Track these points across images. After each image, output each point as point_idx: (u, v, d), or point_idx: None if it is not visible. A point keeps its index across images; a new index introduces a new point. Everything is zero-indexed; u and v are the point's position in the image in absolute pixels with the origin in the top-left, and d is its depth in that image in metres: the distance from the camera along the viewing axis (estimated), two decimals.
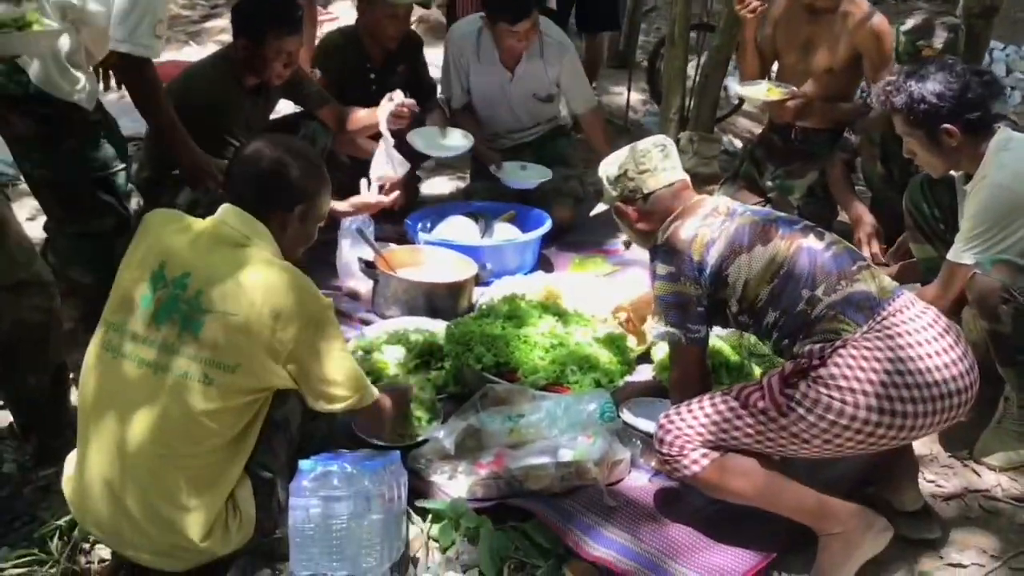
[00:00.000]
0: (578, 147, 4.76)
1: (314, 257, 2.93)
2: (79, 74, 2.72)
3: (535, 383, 2.83)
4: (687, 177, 2.58)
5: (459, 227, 3.96)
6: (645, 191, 2.53)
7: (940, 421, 2.22)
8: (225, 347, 2.06)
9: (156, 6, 2.77)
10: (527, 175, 4.33)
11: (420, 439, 2.65)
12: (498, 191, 4.31)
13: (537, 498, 2.46)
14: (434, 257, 3.69)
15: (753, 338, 2.53)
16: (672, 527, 2.41)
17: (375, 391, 2.28)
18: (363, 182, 3.69)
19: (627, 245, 3.96)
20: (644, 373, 3.11)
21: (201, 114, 3.23)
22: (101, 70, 3.30)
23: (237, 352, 2.07)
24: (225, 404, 2.08)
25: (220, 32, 6.37)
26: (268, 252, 2.17)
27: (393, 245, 3.82)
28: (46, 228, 3.10)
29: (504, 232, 3.98)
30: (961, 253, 2.73)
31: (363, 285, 3.55)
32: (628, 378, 3.00)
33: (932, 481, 2.70)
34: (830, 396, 2.17)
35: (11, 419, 2.72)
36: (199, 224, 2.22)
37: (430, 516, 2.44)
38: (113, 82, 3.41)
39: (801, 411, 2.19)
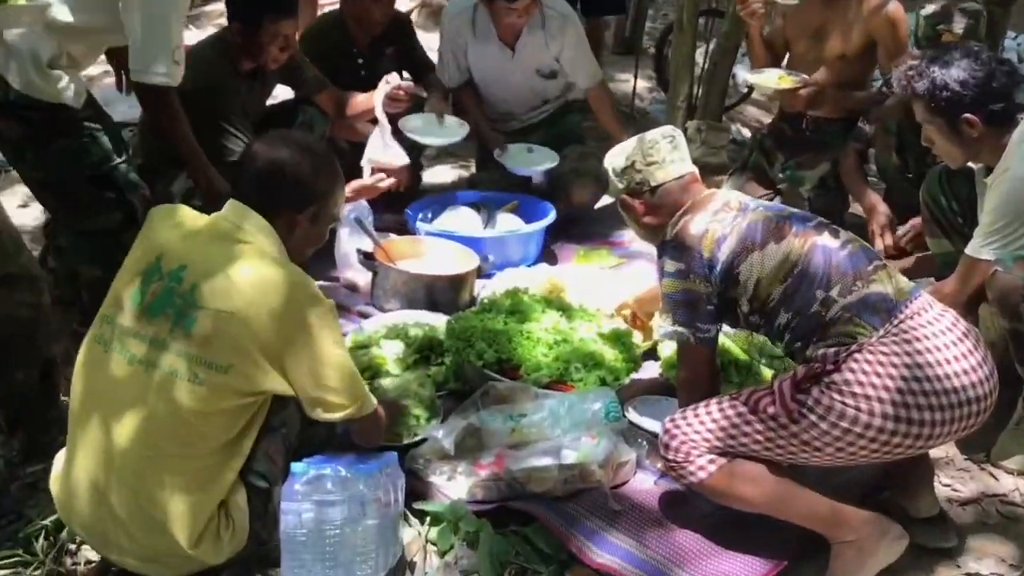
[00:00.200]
0: (589, 119, 4.56)
1: None
2: (62, 75, 2.69)
3: (538, 381, 2.76)
4: (696, 170, 2.51)
5: (461, 217, 3.89)
6: (653, 184, 2.45)
7: (958, 429, 2.15)
8: (217, 346, 1.99)
9: (171, 33, 2.75)
10: (533, 160, 4.18)
11: (418, 438, 2.58)
12: (504, 181, 4.20)
13: (539, 501, 2.40)
14: (435, 248, 3.61)
15: (763, 337, 2.45)
16: (679, 533, 2.35)
17: (374, 400, 2.19)
18: (364, 163, 3.59)
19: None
20: (651, 370, 3.03)
21: (196, 100, 3.14)
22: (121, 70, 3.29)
23: (229, 352, 1.99)
24: (217, 406, 2.01)
25: (220, 16, 6.28)
26: (270, 250, 2.10)
27: (393, 235, 3.75)
28: (48, 226, 3.09)
29: (507, 223, 3.90)
30: (980, 248, 2.65)
31: (361, 277, 3.48)
32: (634, 375, 2.92)
33: (948, 485, 2.63)
34: (844, 403, 2.10)
35: None
36: (201, 219, 2.16)
37: (428, 519, 2.38)
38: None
39: (813, 418, 2.12)
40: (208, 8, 6.89)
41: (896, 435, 2.09)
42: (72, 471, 2.10)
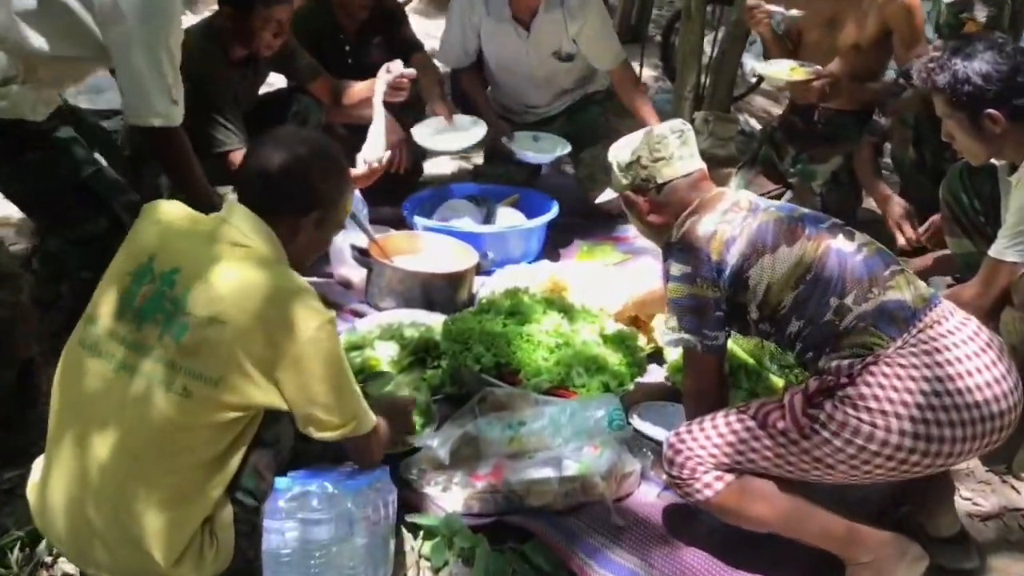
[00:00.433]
0: (610, 117, 4.27)
1: None
2: (15, 89, 2.62)
3: (538, 386, 2.66)
4: (705, 166, 2.40)
5: (460, 212, 3.79)
6: (659, 181, 2.34)
7: (980, 446, 2.04)
8: (207, 356, 1.89)
9: (165, 72, 2.65)
10: (542, 147, 4.03)
11: (411, 446, 2.47)
12: (511, 175, 4.05)
13: (538, 516, 2.30)
14: (432, 244, 3.51)
15: (775, 345, 2.36)
16: (685, 551, 2.25)
17: (373, 418, 2.07)
18: (358, 158, 3.47)
19: None
20: (656, 374, 2.92)
21: (185, 89, 3.03)
22: None
23: (220, 363, 1.89)
24: (204, 419, 1.91)
25: (214, 1, 6.17)
26: (269, 256, 1.99)
27: (391, 230, 3.65)
28: (36, 234, 3.07)
29: (508, 217, 3.80)
30: (1004, 250, 2.54)
31: (356, 273, 3.39)
32: (638, 380, 2.81)
33: (968, 499, 2.53)
34: (859, 418, 1.99)
35: None
36: (200, 220, 2.05)
37: (422, 532, 2.29)
38: None
39: (826, 434, 2.01)
40: None
41: (915, 453, 1.98)
42: (49, 480, 2.01)
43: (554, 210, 3.75)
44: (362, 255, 3.28)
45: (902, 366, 2.00)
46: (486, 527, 2.28)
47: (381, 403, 2.39)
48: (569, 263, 3.70)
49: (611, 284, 3.31)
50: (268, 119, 3.53)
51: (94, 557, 1.98)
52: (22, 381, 2.53)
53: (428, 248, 3.49)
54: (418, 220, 3.67)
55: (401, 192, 3.84)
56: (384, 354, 2.83)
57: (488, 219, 3.81)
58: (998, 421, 2.01)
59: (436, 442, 2.42)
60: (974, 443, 2.01)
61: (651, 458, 2.52)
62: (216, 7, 3.41)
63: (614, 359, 2.77)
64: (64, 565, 2.19)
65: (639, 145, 2.37)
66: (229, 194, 2.99)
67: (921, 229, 3.42)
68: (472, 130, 3.90)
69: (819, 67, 3.80)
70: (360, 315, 3.21)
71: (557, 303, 3.01)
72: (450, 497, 2.35)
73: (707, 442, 2.12)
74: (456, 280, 3.28)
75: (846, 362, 2.04)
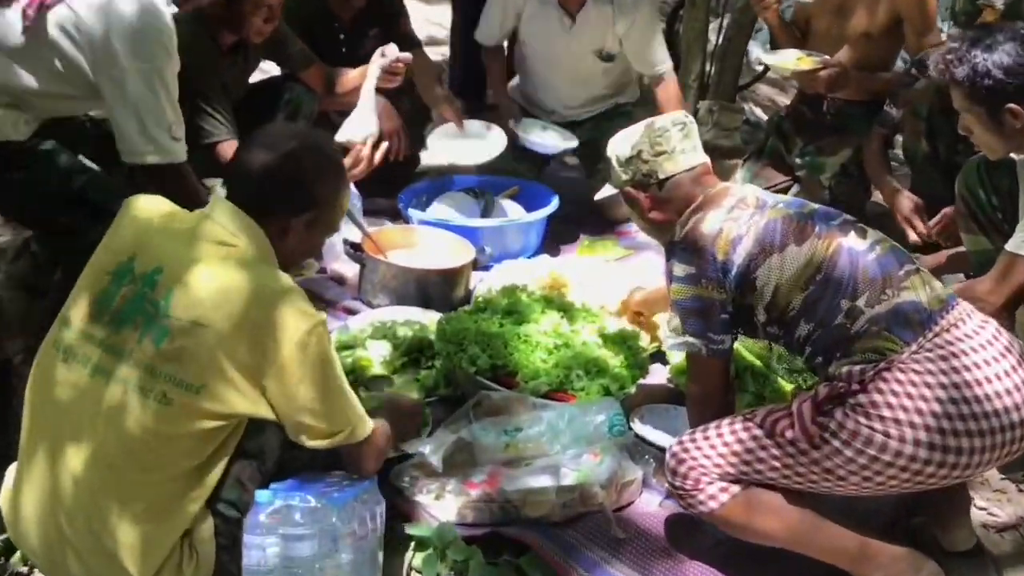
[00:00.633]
0: None
1: None
2: None
3: (536, 390, 2.56)
4: (709, 160, 2.31)
5: (456, 205, 3.69)
6: (661, 176, 2.25)
7: (999, 457, 1.94)
8: (188, 362, 1.80)
9: (162, 110, 2.55)
10: (548, 136, 3.88)
11: (403, 452, 2.36)
12: (515, 167, 3.90)
13: (535, 527, 2.21)
14: (428, 238, 3.40)
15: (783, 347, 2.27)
16: (689, 565, 2.15)
17: (368, 425, 1.97)
18: (336, 137, 3.34)
19: None
20: (659, 374, 2.82)
21: None
22: None
23: (202, 369, 1.80)
24: (184, 428, 1.82)
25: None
26: (257, 257, 1.90)
27: (386, 223, 3.54)
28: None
29: (506, 210, 3.69)
30: (1022, 243, 2.44)
31: (349, 269, 3.28)
32: (640, 382, 2.71)
33: (983, 508, 2.43)
34: (871, 427, 1.89)
35: None
36: (183, 216, 1.97)
37: (413, 543, 2.20)
38: None
39: (836, 444, 1.92)
40: None
41: (930, 464, 1.89)
42: (22, 489, 1.93)
43: (554, 203, 3.65)
44: (355, 250, 3.16)
45: (917, 372, 1.91)
46: (481, 539, 2.19)
47: (387, 405, 2.33)
48: (569, 258, 3.60)
49: (612, 281, 3.21)
50: (260, 109, 3.44)
51: (68, 570, 1.90)
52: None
53: (423, 242, 3.39)
54: (413, 213, 3.57)
55: (397, 183, 3.73)
56: (376, 354, 2.74)
57: (486, 212, 3.70)
58: (1019, 430, 1.92)
59: (429, 448, 2.32)
60: (993, 453, 1.91)
61: (653, 465, 2.42)
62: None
63: (615, 361, 2.67)
64: None
65: (639, 139, 2.27)
66: (217, 187, 2.90)
67: (932, 222, 3.32)
68: (491, 139, 3.75)
69: (826, 56, 3.70)
70: (353, 312, 3.12)
71: (556, 302, 2.91)
72: (443, 506, 2.26)
73: (712, 451, 2.03)
74: (452, 276, 3.18)
75: (858, 368, 1.94)
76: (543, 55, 3.90)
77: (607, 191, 2.44)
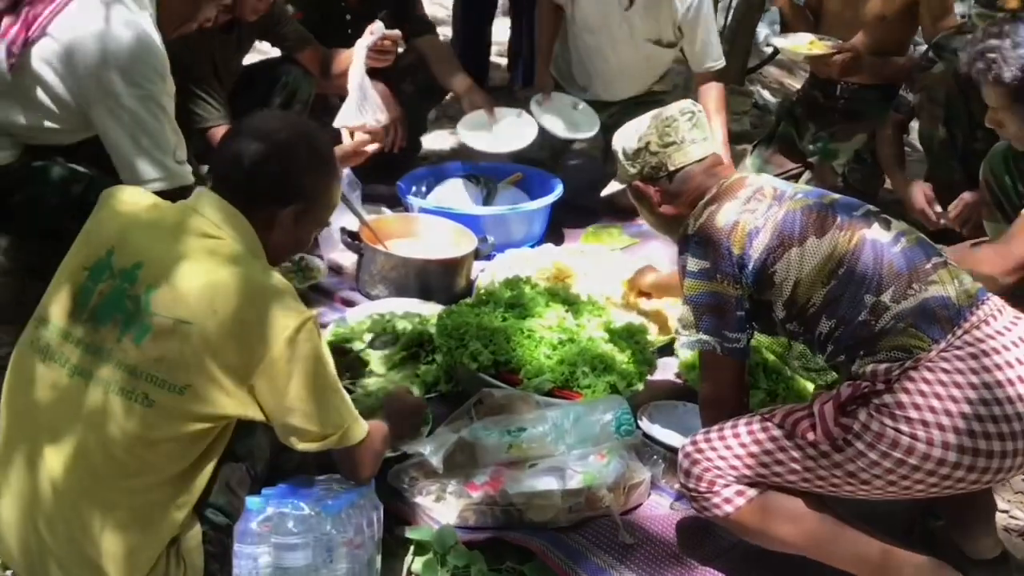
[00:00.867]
0: None
1: None
2: None
3: (540, 387, 2.46)
4: (721, 150, 2.20)
5: (458, 192, 3.60)
6: (671, 168, 2.17)
7: None
8: (172, 362, 1.72)
9: (161, 134, 2.46)
10: (574, 118, 3.72)
11: (401, 451, 2.28)
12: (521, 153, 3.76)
13: (539, 533, 2.13)
14: (428, 227, 3.31)
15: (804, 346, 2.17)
16: (700, 571, 2.08)
17: (363, 427, 1.88)
18: (343, 131, 3.24)
19: None
20: (669, 368, 2.74)
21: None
22: None
23: (186, 369, 1.72)
24: (168, 432, 1.74)
25: None
26: (243, 250, 1.82)
27: (385, 211, 3.44)
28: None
29: (509, 198, 3.60)
30: None
31: (347, 258, 3.20)
32: (648, 378, 2.60)
33: (1005, 511, 2.35)
34: (897, 429, 1.80)
35: None
36: (165, 208, 1.89)
37: (412, 547, 2.12)
38: None
39: (860, 446, 1.83)
40: None
41: (959, 468, 1.80)
42: (1, 495, 1.86)
43: (558, 190, 3.55)
44: (352, 239, 3.07)
45: (946, 371, 1.82)
46: (482, 543, 2.11)
47: (387, 403, 2.26)
48: (574, 246, 3.51)
49: (619, 271, 3.13)
50: (255, 92, 3.34)
51: None
52: None
53: (423, 231, 3.30)
54: (413, 201, 3.47)
55: (397, 169, 3.63)
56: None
57: (488, 200, 3.61)
58: None
59: (429, 448, 2.23)
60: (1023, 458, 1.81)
61: (662, 466, 2.34)
62: None
63: (622, 357, 2.57)
64: None
65: (647, 130, 2.19)
66: None
67: (950, 208, 3.22)
68: (523, 126, 3.63)
69: (840, 41, 3.63)
70: (351, 304, 3.03)
71: (561, 294, 2.81)
72: (443, 508, 2.18)
73: (727, 452, 1.94)
74: (453, 267, 3.10)
75: (883, 366, 1.85)
76: (593, 32, 3.73)
77: (614, 187, 2.34)
